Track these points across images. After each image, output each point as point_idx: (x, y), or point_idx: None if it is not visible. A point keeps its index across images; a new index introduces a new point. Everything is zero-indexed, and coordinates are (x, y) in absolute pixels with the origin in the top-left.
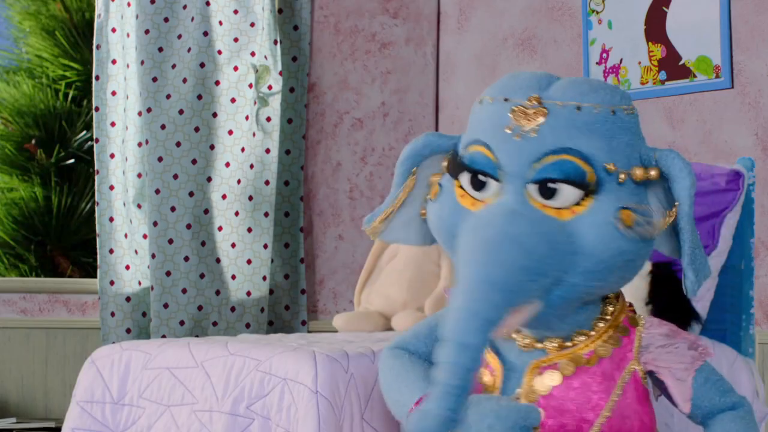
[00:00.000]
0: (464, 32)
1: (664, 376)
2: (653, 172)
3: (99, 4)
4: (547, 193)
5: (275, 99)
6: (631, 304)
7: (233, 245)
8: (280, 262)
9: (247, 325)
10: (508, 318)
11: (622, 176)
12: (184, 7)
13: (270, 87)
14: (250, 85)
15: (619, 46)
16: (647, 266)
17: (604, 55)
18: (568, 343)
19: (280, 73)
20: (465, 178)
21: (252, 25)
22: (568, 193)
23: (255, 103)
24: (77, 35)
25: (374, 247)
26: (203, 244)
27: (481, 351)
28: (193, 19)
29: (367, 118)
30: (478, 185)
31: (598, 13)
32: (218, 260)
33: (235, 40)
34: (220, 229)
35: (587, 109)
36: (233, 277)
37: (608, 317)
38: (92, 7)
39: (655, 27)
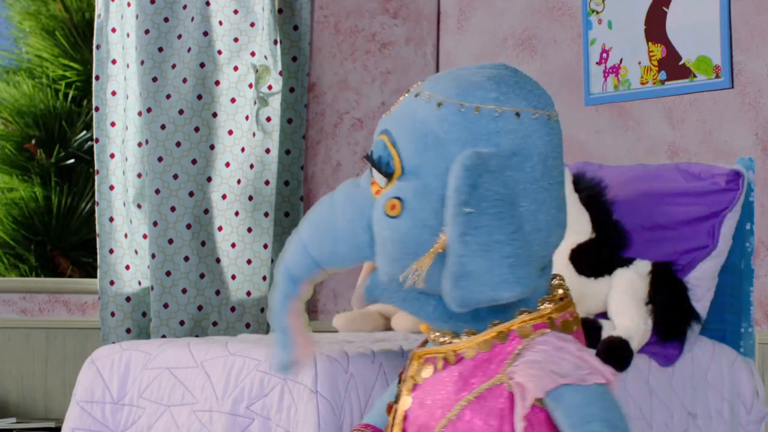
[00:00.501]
0: (464, 32)
1: (513, 389)
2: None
3: (99, 4)
4: (374, 168)
5: (275, 99)
6: (548, 322)
7: (233, 245)
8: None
9: (247, 325)
10: (317, 275)
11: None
12: (184, 7)
13: (270, 87)
14: (250, 85)
15: (619, 46)
16: (647, 266)
17: (604, 55)
18: (456, 339)
19: (280, 73)
20: None
21: (252, 25)
22: (376, 173)
23: (255, 103)
24: (77, 35)
25: None
26: (203, 244)
27: (287, 297)
28: (193, 19)
29: (367, 118)
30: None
31: (598, 13)
32: (218, 260)
33: (235, 40)
34: (220, 229)
35: (422, 97)
36: (233, 277)
37: (501, 322)
38: (92, 7)
39: (655, 27)
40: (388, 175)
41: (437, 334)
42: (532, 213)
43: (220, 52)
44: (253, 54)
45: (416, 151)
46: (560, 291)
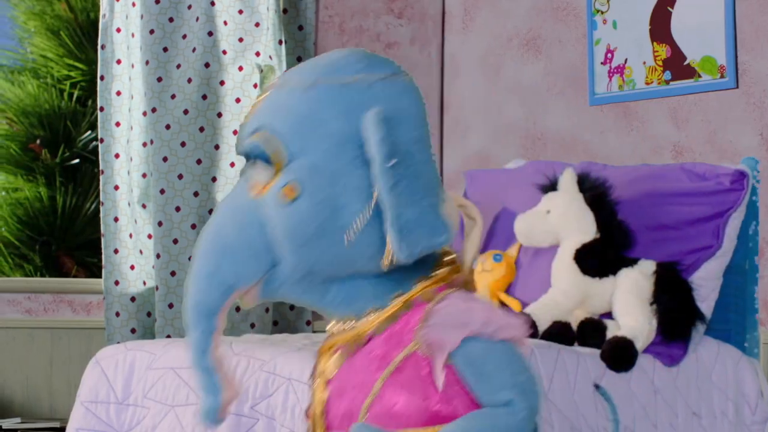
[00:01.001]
0: (469, 32)
1: (428, 350)
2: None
3: (104, 4)
4: (251, 170)
5: None
6: (449, 283)
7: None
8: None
9: (252, 326)
10: (231, 300)
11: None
12: (189, 7)
13: None
14: (255, 85)
15: (623, 46)
16: (652, 266)
17: (609, 55)
18: (360, 322)
19: None
20: None
21: (257, 25)
22: (259, 169)
23: None
24: (82, 35)
25: None
26: None
27: (207, 333)
28: (198, 19)
29: None
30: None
31: (603, 13)
32: None
33: (240, 40)
34: None
35: (289, 86)
36: None
37: (403, 294)
38: (97, 7)
39: (660, 27)
40: (274, 166)
41: (339, 323)
42: (426, 167)
43: (225, 52)
44: (258, 54)
45: (299, 135)
46: (450, 255)
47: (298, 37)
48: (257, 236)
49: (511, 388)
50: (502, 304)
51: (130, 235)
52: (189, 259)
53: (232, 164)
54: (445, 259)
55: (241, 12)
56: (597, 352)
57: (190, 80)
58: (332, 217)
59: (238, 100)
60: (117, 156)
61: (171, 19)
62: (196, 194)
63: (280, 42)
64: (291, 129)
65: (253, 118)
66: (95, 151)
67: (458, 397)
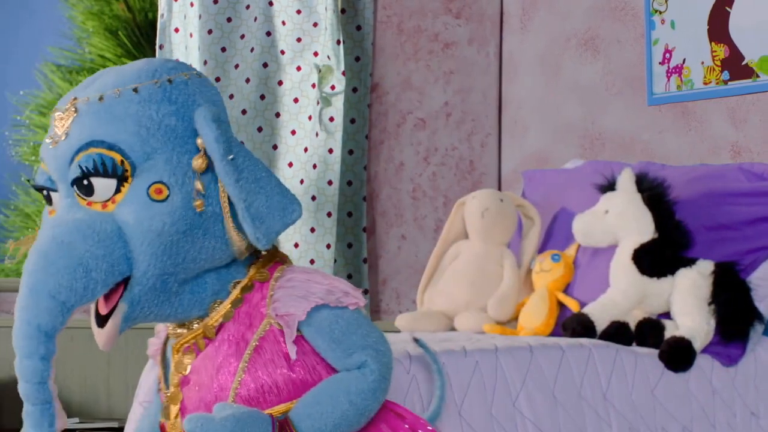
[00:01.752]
0: (527, 32)
1: (280, 323)
2: (200, 161)
3: (162, 4)
4: (86, 190)
5: (338, 99)
6: (278, 260)
7: (296, 245)
8: (343, 262)
9: None
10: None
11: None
12: (247, 7)
13: (333, 87)
14: (313, 85)
15: (681, 46)
16: (710, 266)
17: (667, 55)
18: (206, 318)
19: (343, 73)
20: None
21: (315, 25)
22: (101, 185)
23: (318, 103)
24: (140, 35)
25: (437, 246)
26: None
27: (46, 359)
28: (256, 19)
29: (430, 118)
30: (48, 200)
31: (661, 13)
32: None
33: (298, 40)
34: None
35: (109, 97)
36: None
37: (240, 280)
38: (155, 7)
39: (718, 27)
40: (121, 176)
41: (175, 327)
42: (250, 153)
43: (283, 52)
44: (316, 54)
45: (139, 139)
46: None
47: (356, 37)
48: (117, 246)
49: (362, 349)
50: (561, 304)
51: None
52: None
53: (290, 164)
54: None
55: (299, 12)
56: (655, 352)
57: (248, 80)
58: (193, 210)
59: (296, 100)
60: None
61: (229, 19)
62: None
63: (338, 42)
64: (129, 135)
65: (67, 138)
66: None
67: (320, 364)
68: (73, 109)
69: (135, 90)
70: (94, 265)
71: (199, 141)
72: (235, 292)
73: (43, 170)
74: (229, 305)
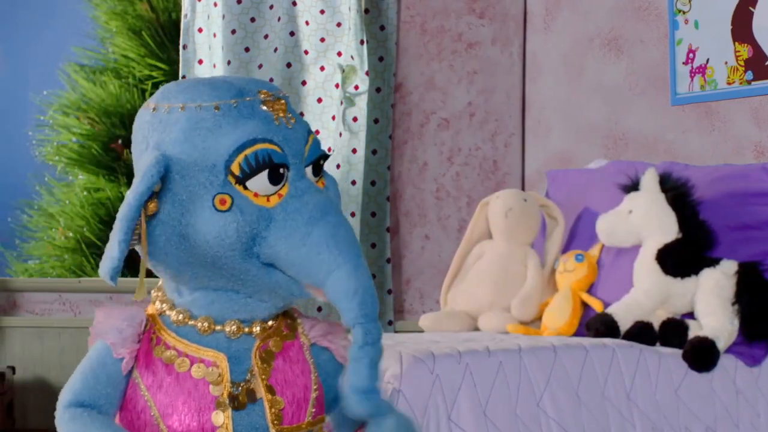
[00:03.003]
0: (550, 32)
1: (328, 342)
2: None
3: (185, 4)
4: (318, 171)
5: (362, 99)
6: None
7: None
8: (366, 262)
9: None
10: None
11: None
12: (271, 7)
13: (356, 87)
14: (337, 85)
15: (705, 46)
16: (733, 266)
17: (691, 55)
18: (268, 324)
19: (367, 73)
20: (261, 177)
21: (338, 25)
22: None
23: (341, 103)
24: (163, 35)
25: (460, 247)
26: None
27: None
28: (279, 19)
29: (454, 118)
30: (278, 179)
31: (684, 13)
32: None
33: (322, 40)
34: None
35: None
36: None
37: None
38: (178, 7)
39: (742, 27)
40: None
41: (238, 326)
42: None
43: (306, 52)
44: (339, 54)
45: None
46: None
47: (380, 37)
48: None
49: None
50: (584, 304)
51: None
52: None
53: None
54: None
55: (322, 12)
56: (679, 352)
57: (271, 80)
58: None
59: (319, 101)
60: None
61: (253, 19)
62: None
63: (362, 42)
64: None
65: (297, 122)
66: None
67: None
68: (282, 99)
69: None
70: None
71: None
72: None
73: (275, 150)
74: (290, 317)
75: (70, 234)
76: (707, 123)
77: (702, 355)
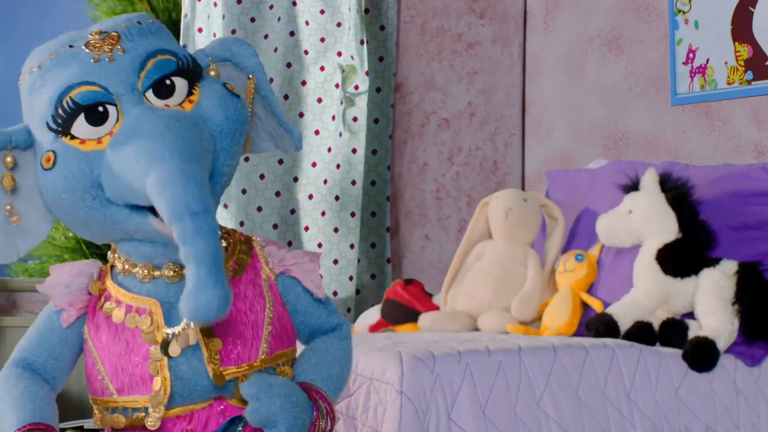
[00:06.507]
0: (551, 32)
1: (295, 272)
2: (212, 72)
3: (185, 4)
4: (164, 92)
5: (362, 99)
6: None
7: (320, 245)
8: (366, 262)
9: None
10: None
11: (212, 72)
12: (271, 7)
13: (356, 87)
14: (337, 85)
15: (705, 46)
16: (733, 266)
17: (691, 55)
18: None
19: (367, 73)
20: (80, 123)
21: (338, 25)
22: (180, 85)
23: (341, 103)
24: None
25: (460, 246)
26: (290, 244)
27: (214, 215)
28: (279, 19)
29: (454, 118)
30: (100, 119)
31: (684, 13)
32: None
33: (322, 40)
34: (306, 229)
35: (145, 23)
36: (320, 276)
37: (227, 233)
38: (179, 7)
39: (742, 27)
40: (192, 78)
41: (174, 268)
42: None
43: (306, 52)
44: (339, 54)
45: (186, 56)
46: None
47: (380, 37)
48: (208, 144)
49: (335, 312)
50: (584, 305)
51: None
52: None
53: (314, 164)
54: None
55: (322, 12)
56: (679, 352)
57: (271, 80)
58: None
59: (319, 100)
60: None
61: (253, 19)
62: (277, 194)
63: (362, 42)
64: (180, 50)
65: (126, 53)
66: None
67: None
68: (114, 33)
69: (159, 22)
70: (207, 161)
71: (211, 72)
72: (236, 245)
73: (92, 90)
74: (242, 252)
75: (70, 234)
76: (707, 123)
77: (702, 355)
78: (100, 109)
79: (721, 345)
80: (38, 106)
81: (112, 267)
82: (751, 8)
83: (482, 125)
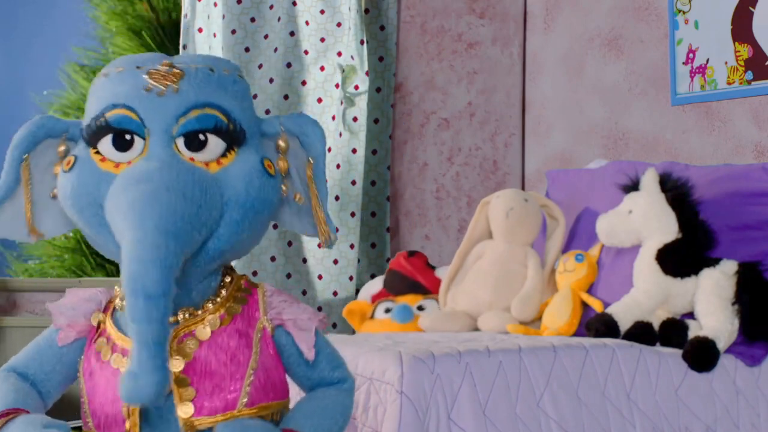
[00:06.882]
0: (551, 32)
1: (289, 327)
2: (282, 143)
3: (185, 4)
4: (195, 145)
5: (362, 99)
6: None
7: (319, 245)
8: (366, 262)
9: (334, 325)
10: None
11: (282, 143)
12: (271, 7)
13: (356, 87)
14: (337, 85)
15: (705, 46)
16: (733, 266)
17: (691, 55)
18: (199, 311)
19: (367, 73)
20: (106, 142)
21: (339, 25)
22: (214, 144)
23: (341, 103)
24: (163, 35)
25: (461, 246)
26: (290, 244)
27: (171, 298)
28: (279, 19)
29: (454, 118)
30: (124, 146)
31: (684, 13)
32: (305, 260)
33: (322, 40)
34: None
35: (219, 71)
36: (320, 277)
37: (229, 282)
38: (178, 7)
39: (742, 27)
40: (232, 141)
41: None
42: None
43: (306, 52)
44: (339, 54)
45: (246, 119)
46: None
47: (380, 37)
48: (215, 208)
49: (340, 366)
50: (584, 305)
51: None
52: (270, 259)
53: None
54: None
55: (322, 12)
56: (679, 352)
57: (271, 80)
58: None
59: (319, 101)
60: None
61: (253, 19)
62: None
63: (362, 42)
64: (240, 111)
65: (179, 93)
66: None
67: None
68: (179, 70)
69: (240, 76)
70: (206, 222)
71: (280, 142)
72: (232, 294)
73: (128, 116)
74: (235, 301)
75: (70, 234)
76: (707, 123)
77: (702, 355)
78: (128, 136)
79: (721, 345)
80: (89, 109)
81: (118, 299)
82: (751, 8)
83: (482, 125)
